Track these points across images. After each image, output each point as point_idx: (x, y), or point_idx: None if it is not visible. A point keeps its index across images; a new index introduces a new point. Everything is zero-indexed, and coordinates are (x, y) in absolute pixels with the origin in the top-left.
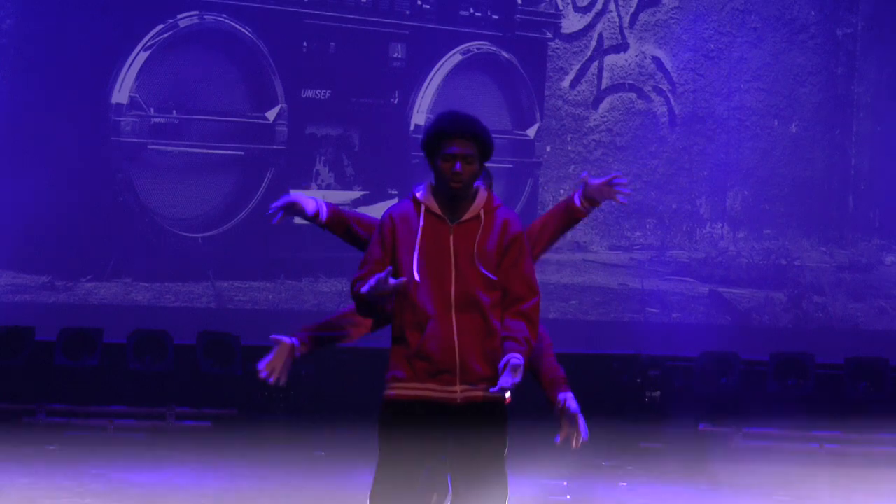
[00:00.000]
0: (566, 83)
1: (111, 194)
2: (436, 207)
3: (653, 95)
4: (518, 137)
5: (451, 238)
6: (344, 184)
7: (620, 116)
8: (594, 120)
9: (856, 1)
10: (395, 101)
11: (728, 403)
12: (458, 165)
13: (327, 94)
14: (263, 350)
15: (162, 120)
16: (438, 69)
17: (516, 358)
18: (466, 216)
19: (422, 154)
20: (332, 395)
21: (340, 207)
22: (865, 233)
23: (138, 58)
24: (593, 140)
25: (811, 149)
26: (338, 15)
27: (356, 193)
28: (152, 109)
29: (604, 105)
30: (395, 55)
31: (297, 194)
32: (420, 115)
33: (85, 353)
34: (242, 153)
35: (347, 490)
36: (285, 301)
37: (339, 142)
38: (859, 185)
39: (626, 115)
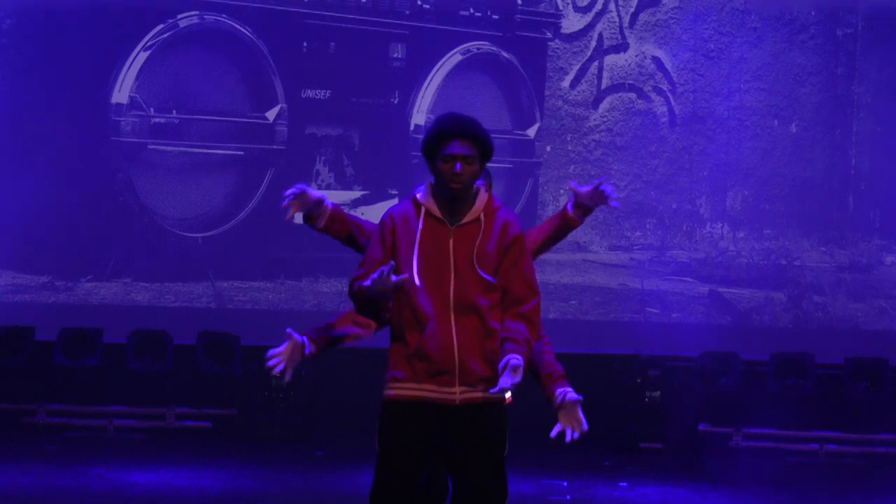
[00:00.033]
0: (566, 83)
1: (111, 194)
2: (436, 210)
3: (653, 95)
4: (518, 137)
5: (451, 241)
6: (344, 184)
7: (620, 116)
8: (594, 120)
9: (856, 1)
10: (395, 101)
11: (728, 403)
12: (458, 166)
13: (327, 94)
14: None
15: (162, 120)
16: (438, 69)
17: (516, 358)
18: (466, 219)
19: (422, 154)
20: (332, 395)
21: (342, 209)
22: (865, 233)
23: (138, 58)
24: (593, 140)
25: (811, 149)
26: (338, 15)
27: (356, 193)
28: (152, 109)
29: (604, 105)
30: (395, 55)
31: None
32: (420, 115)
33: (85, 353)
34: (242, 153)
35: (347, 490)
36: (285, 301)
37: (339, 142)
38: (859, 185)
39: (626, 115)
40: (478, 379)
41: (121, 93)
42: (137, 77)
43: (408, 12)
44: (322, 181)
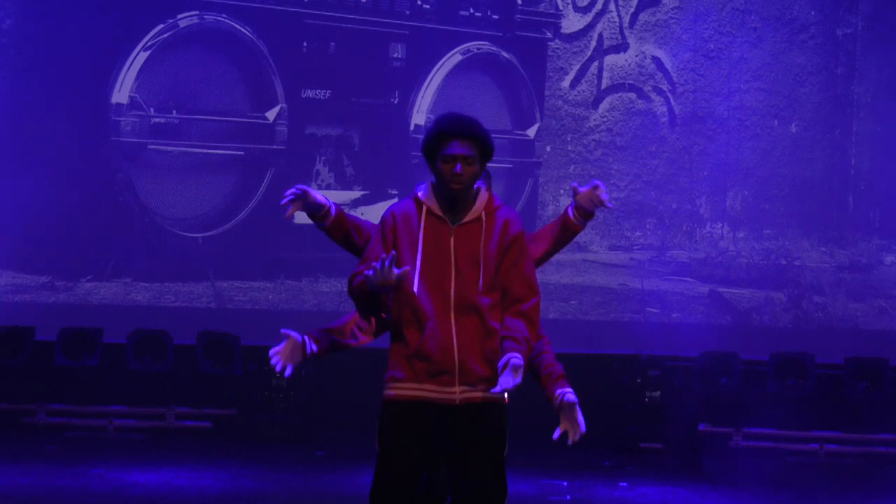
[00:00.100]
0: (566, 83)
1: (111, 194)
2: (437, 208)
3: (653, 95)
4: (518, 137)
5: (452, 240)
6: (344, 184)
7: (620, 116)
8: (594, 120)
9: (856, 1)
10: (395, 101)
11: (728, 403)
12: (458, 167)
13: (327, 94)
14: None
15: (162, 120)
16: (438, 69)
17: (517, 358)
18: (467, 218)
19: (422, 154)
20: (332, 395)
21: (343, 209)
22: (865, 233)
23: (138, 58)
24: (593, 140)
25: (811, 149)
26: (338, 15)
27: (356, 193)
28: (152, 109)
29: (604, 105)
30: (395, 55)
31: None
32: (420, 115)
33: (85, 353)
34: (242, 153)
35: (347, 490)
36: (285, 301)
37: (339, 142)
38: (859, 185)
39: (626, 115)
40: (478, 379)
41: (121, 93)
42: (137, 77)
43: (408, 12)
44: (322, 181)
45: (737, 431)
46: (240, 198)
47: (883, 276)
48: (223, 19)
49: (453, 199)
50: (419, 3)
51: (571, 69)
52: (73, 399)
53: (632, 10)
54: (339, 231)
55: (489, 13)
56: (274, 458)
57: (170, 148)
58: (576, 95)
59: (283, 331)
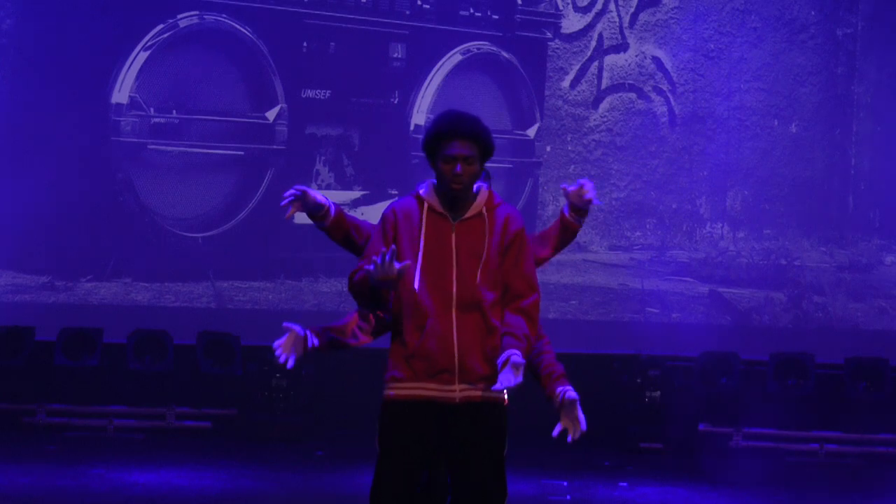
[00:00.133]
0: (566, 83)
1: (111, 194)
2: (438, 205)
3: (653, 95)
4: (518, 137)
5: (453, 236)
6: (344, 184)
7: (620, 116)
8: (594, 120)
9: (856, 1)
10: (395, 101)
11: (728, 403)
12: (458, 168)
13: (327, 94)
14: (264, 350)
15: (162, 120)
16: (438, 69)
17: (517, 356)
18: (469, 214)
19: (422, 154)
20: (332, 395)
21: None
22: (865, 233)
23: (138, 58)
24: (593, 140)
25: (811, 149)
26: (338, 15)
27: (356, 193)
28: (152, 109)
29: (604, 105)
30: (395, 55)
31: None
32: (420, 115)
33: (85, 353)
34: (242, 153)
35: (347, 490)
36: (285, 301)
37: (339, 142)
38: (859, 185)
39: (626, 115)
40: (478, 377)
41: (121, 93)
42: (137, 77)
43: (408, 12)
44: (322, 181)
45: (737, 431)
46: (240, 198)
47: (883, 276)
48: (223, 19)
49: (454, 198)
50: (419, 3)
51: (571, 69)
52: (73, 399)
53: (632, 10)
54: (339, 231)
55: (489, 13)
56: (274, 458)
57: (170, 148)
58: (576, 95)
59: (285, 324)
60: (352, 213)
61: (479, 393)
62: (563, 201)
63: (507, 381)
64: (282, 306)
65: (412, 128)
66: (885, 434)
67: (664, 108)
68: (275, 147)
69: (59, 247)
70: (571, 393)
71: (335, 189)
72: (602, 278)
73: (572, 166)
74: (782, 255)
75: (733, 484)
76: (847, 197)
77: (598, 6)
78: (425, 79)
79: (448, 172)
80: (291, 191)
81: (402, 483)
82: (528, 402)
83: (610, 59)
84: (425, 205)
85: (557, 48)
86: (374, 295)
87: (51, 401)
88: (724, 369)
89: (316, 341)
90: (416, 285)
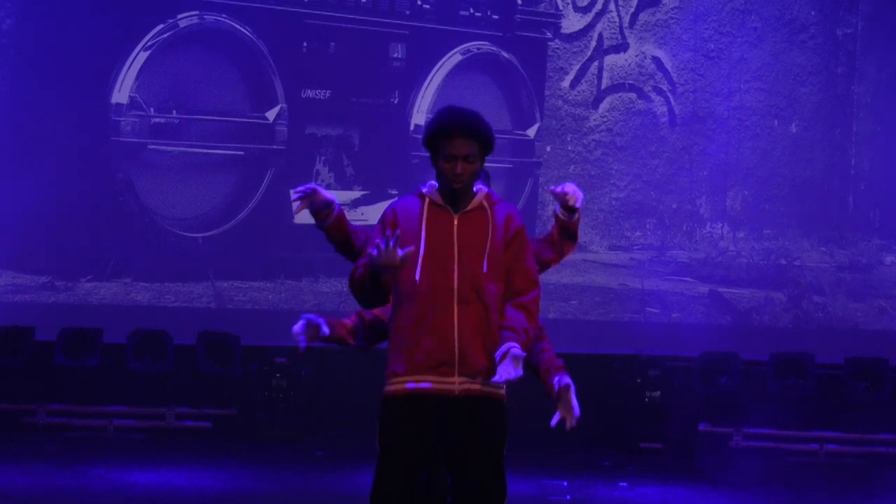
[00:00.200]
0: (566, 83)
1: (111, 194)
2: (439, 199)
3: (653, 95)
4: (518, 137)
5: (455, 227)
6: (344, 184)
7: (620, 116)
8: (594, 120)
9: (856, 1)
10: (395, 101)
11: (728, 403)
12: (458, 167)
13: (327, 94)
14: (264, 350)
15: (162, 120)
16: (438, 69)
17: (517, 348)
18: (470, 206)
19: (422, 154)
20: (332, 395)
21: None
22: (865, 233)
23: (138, 58)
24: (593, 140)
25: (811, 149)
26: (338, 15)
27: (356, 193)
28: (152, 109)
29: (604, 105)
30: (395, 55)
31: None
32: (420, 115)
33: (85, 353)
34: (242, 153)
35: (347, 490)
36: (285, 301)
37: (339, 142)
38: (859, 185)
39: (626, 115)
40: (477, 371)
41: (121, 93)
42: (137, 77)
43: (408, 12)
44: (322, 181)
45: (737, 431)
46: (240, 198)
47: (883, 276)
48: (223, 19)
49: (454, 195)
50: (419, 3)
51: (571, 69)
52: (73, 399)
53: (632, 10)
54: (340, 232)
55: (489, 13)
56: (274, 458)
57: (170, 148)
58: (576, 95)
59: (302, 315)
60: (352, 213)
61: (478, 386)
62: None
63: (507, 373)
64: (282, 306)
65: (412, 128)
66: (885, 434)
67: (664, 108)
68: (275, 147)
69: (59, 247)
70: (566, 379)
71: (335, 189)
72: (602, 278)
73: (572, 166)
74: (782, 255)
75: (733, 484)
76: (847, 197)
77: (598, 6)
78: (425, 79)
79: (449, 171)
80: (303, 187)
81: (403, 482)
82: (528, 402)
83: (610, 59)
84: (426, 199)
85: (557, 48)
86: (375, 286)
87: (51, 401)
88: (724, 369)
89: (327, 330)
90: (417, 277)
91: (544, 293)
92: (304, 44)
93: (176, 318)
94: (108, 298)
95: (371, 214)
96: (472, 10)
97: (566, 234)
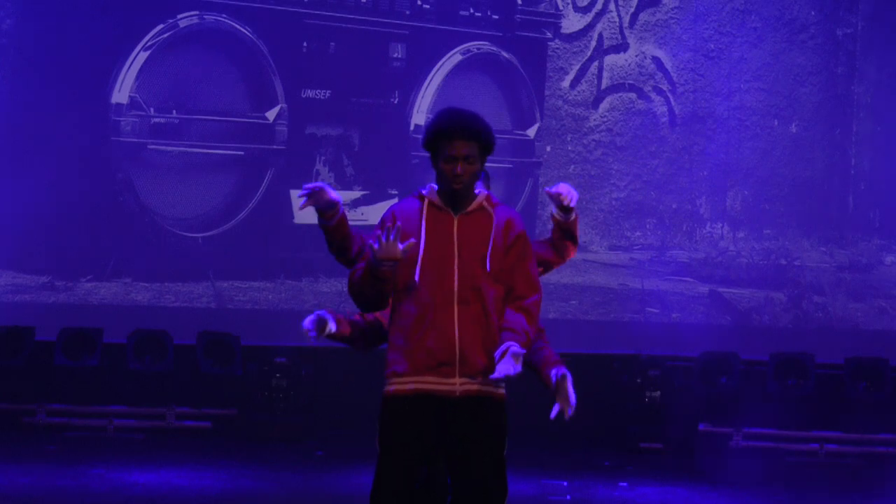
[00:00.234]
0: (566, 83)
1: (111, 194)
2: (439, 201)
3: (653, 95)
4: (518, 137)
5: (456, 228)
6: (344, 184)
7: (620, 116)
8: (594, 120)
9: (856, 1)
10: (395, 101)
11: (728, 403)
12: (458, 168)
13: (327, 94)
14: (264, 350)
15: (162, 120)
16: (438, 69)
17: (516, 346)
18: (470, 208)
19: (422, 154)
20: (332, 395)
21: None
22: (865, 233)
23: (138, 58)
24: (593, 140)
25: (811, 149)
26: (338, 15)
27: (356, 193)
28: (152, 109)
29: (604, 105)
30: (395, 55)
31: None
32: (420, 115)
33: (85, 353)
34: (242, 153)
35: (347, 490)
36: (285, 301)
37: (339, 142)
38: (859, 185)
39: (626, 115)
40: (478, 371)
41: (121, 93)
42: (137, 77)
43: (408, 12)
44: (322, 181)
45: (737, 431)
46: (240, 198)
47: (883, 276)
48: (223, 19)
49: (454, 196)
50: (419, 3)
51: (571, 69)
52: (73, 399)
53: (632, 10)
54: (339, 233)
55: (489, 13)
56: (274, 458)
57: (170, 148)
58: (576, 95)
59: (315, 311)
60: (352, 212)
61: (479, 387)
62: None
63: (506, 369)
64: (282, 306)
65: (412, 128)
66: (885, 434)
67: (664, 108)
68: (275, 147)
69: (59, 247)
70: (562, 370)
71: (335, 189)
72: (602, 278)
73: (572, 166)
74: (782, 255)
75: (733, 484)
76: (847, 197)
77: (598, 6)
78: (425, 79)
79: (449, 172)
80: (311, 185)
81: (403, 482)
82: (528, 401)
83: (610, 59)
84: (426, 201)
85: (557, 48)
86: (375, 285)
87: (51, 401)
88: (724, 369)
89: (334, 327)
90: (417, 277)
91: (544, 293)
92: (304, 44)
93: (176, 318)
94: (108, 298)
95: (371, 214)
96: (472, 10)
97: (565, 235)
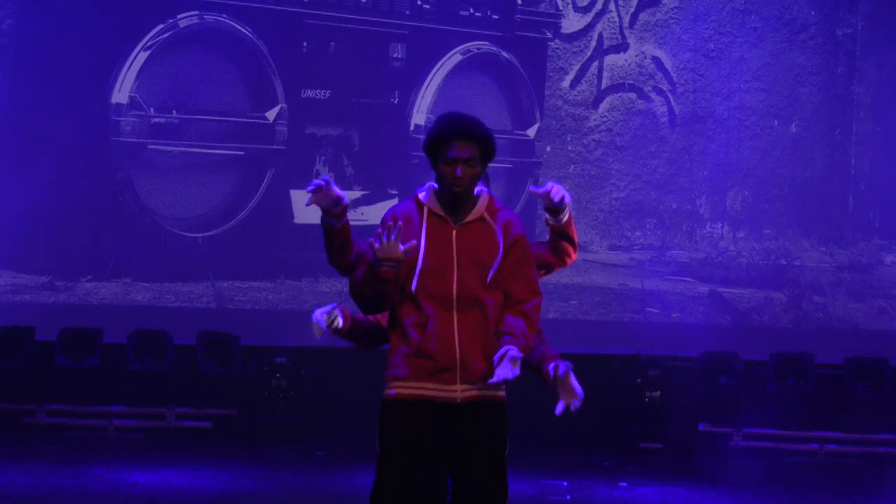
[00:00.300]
0: (566, 83)
1: (111, 194)
2: (438, 209)
3: (653, 95)
4: (518, 137)
5: (454, 238)
6: (344, 184)
7: (620, 116)
8: (594, 120)
9: (856, 1)
10: (395, 101)
11: (728, 403)
12: (459, 171)
13: (327, 94)
14: (264, 350)
15: (162, 120)
16: (438, 69)
17: (514, 350)
18: (469, 218)
19: (422, 154)
20: (332, 395)
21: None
22: (865, 233)
23: (138, 58)
24: (593, 140)
25: (811, 149)
26: (338, 15)
27: (356, 193)
28: (152, 109)
29: (604, 105)
30: (395, 55)
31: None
32: (420, 115)
33: (85, 353)
34: (242, 153)
35: (347, 490)
36: (285, 301)
37: (339, 142)
38: (859, 185)
39: (626, 115)
40: (479, 377)
41: (121, 93)
42: (137, 77)
43: (408, 12)
44: (326, 177)
45: (737, 431)
46: (240, 198)
47: (883, 276)
48: (223, 19)
49: (454, 200)
50: (419, 3)
51: (571, 69)
52: (73, 399)
53: (632, 10)
54: (341, 237)
55: (489, 13)
56: (274, 458)
57: (170, 148)
58: (576, 95)
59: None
60: (352, 212)
61: (479, 391)
62: None
63: (504, 373)
64: (282, 306)
65: (412, 128)
66: (885, 434)
67: (664, 108)
68: (275, 147)
69: (59, 247)
70: (563, 366)
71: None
72: (602, 278)
73: (572, 166)
74: (782, 255)
75: (733, 484)
76: (847, 197)
77: (598, 6)
78: (425, 79)
79: (449, 175)
80: (317, 181)
81: (403, 483)
82: (528, 402)
83: (610, 59)
84: (425, 209)
85: (557, 48)
86: (375, 286)
87: (51, 401)
88: (724, 369)
89: (341, 323)
90: (415, 286)
91: (544, 293)
92: (304, 44)
93: (176, 318)
94: (108, 298)
95: (371, 214)
96: (472, 10)
97: (561, 236)
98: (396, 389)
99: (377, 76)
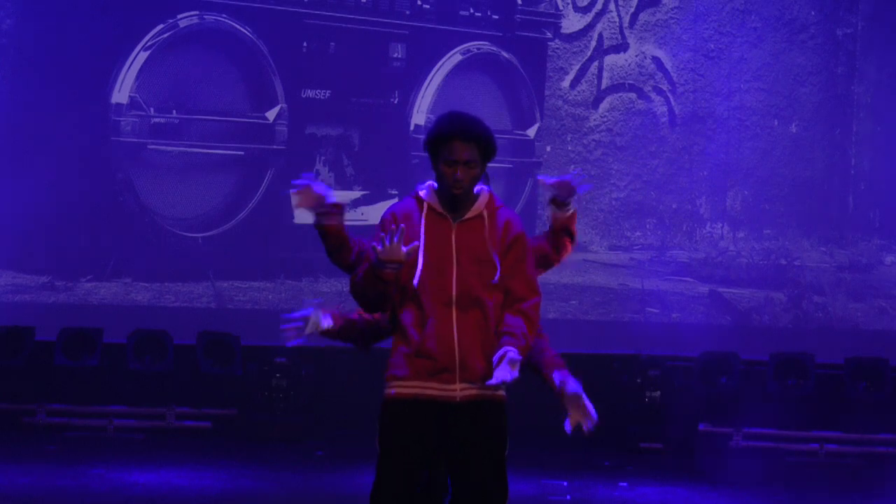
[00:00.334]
0: (566, 83)
1: (111, 194)
2: (438, 206)
3: (653, 95)
4: (518, 137)
5: (454, 236)
6: (344, 184)
7: (620, 116)
8: (594, 120)
9: (856, 1)
10: (395, 101)
11: (728, 403)
12: (458, 173)
13: (327, 94)
14: (264, 350)
15: (162, 120)
16: (438, 69)
17: (513, 352)
18: (469, 215)
19: (422, 154)
20: (332, 395)
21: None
22: (865, 233)
23: (138, 58)
24: (593, 140)
25: (811, 149)
26: (338, 15)
27: (356, 193)
28: (152, 109)
29: (604, 105)
30: (395, 55)
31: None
32: (420, 115)
33: (85, 353)
34: (242, 153)
35: (347, 490)
36: (285, 301)
37: (339, 142)
38: (859, 185)
39: (626, 115)
40: (478, 376)
41: (121, 93)
42: (137, 77)
43: (408, 12)
44: (322, 181)
45: (737, 431)
46: (240, 198)
47: (883, 276)
48: (223, 19)
49: (454, 200)
50: (419, 3)
51: (571, 69)
52: (73, 399)
53: (632, 10)
54: (334, 237)
55: (489, 13)
56: (274, 458)
57: (170, 148)
58: (576, 95)
59: (304, 301)
60: (352, 213)
61: (479, 391)
62: None
63: (503, 375)
64: (282, 306)
65: (412, 128)
66: (885, 434)
67: (664, 108)
68: (275, 147)
69: (59, 247)
70: (573, 385)
71: (335, 189)
72: (602, 278)
73: (572, 166)
74: (782, 255)
75: (733, 484)
76: (847, 197)
77: (598, 6)
78: (425, 79)
79: (449, 176)
80: (298, 181)
81: (403, 483)
82: (528, 402)
83: (610, 59)
84: (425, 205)
85: (557, 48)
86: (377, 287)
87: (51, 401)
88: (724, 369)
89: (329, 323)
90: (416, 283)
91: (544, 293)
92: (304, 44)
93: (176, 318)
94: (108, 298)
95: (371, 214)
96: (472, 10)
97: (562, 230)
98: (396, 389)
99: (377, 76)
